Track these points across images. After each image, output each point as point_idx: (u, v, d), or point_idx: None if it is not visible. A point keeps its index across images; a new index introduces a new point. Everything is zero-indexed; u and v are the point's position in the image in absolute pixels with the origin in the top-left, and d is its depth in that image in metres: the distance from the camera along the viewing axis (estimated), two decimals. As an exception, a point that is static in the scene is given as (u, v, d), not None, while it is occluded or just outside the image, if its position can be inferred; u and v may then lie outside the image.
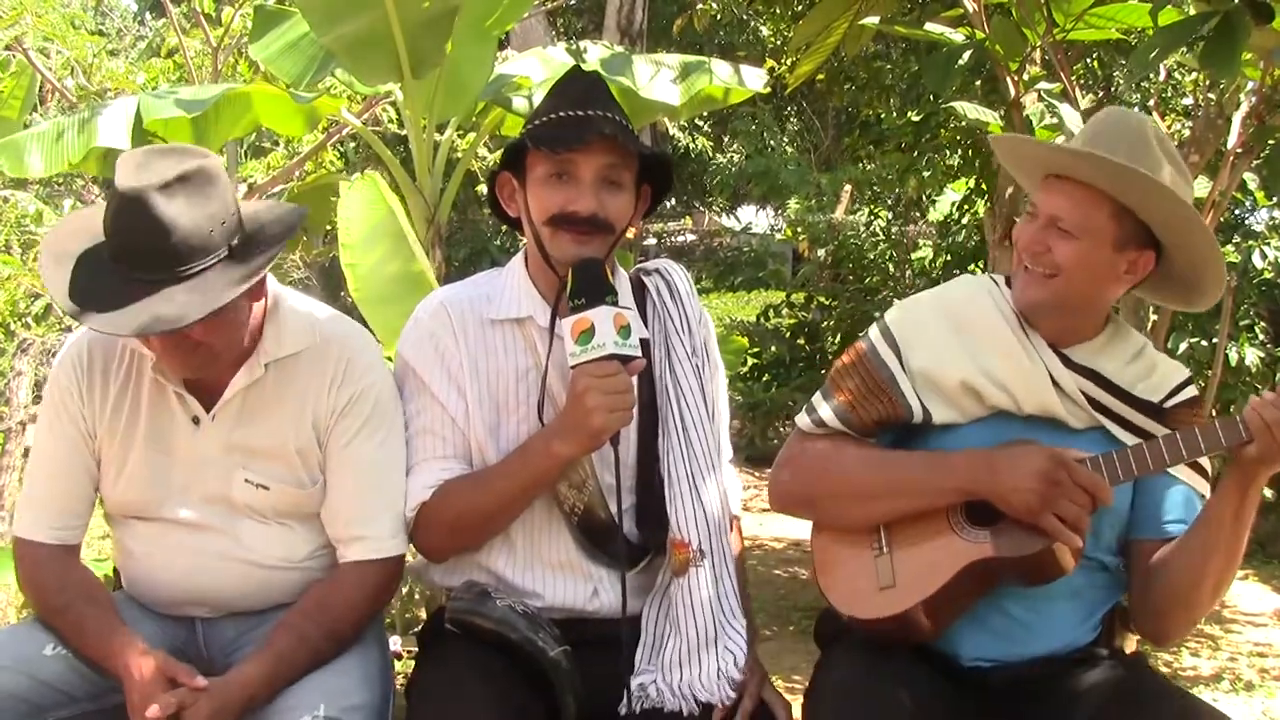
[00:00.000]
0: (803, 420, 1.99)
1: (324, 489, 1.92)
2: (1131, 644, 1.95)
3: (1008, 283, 1.96)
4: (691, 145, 16.61)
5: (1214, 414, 5.25)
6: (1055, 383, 1.85)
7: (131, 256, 1.71)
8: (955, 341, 1.90)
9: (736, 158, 16.75)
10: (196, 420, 1.90)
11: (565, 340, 1.75)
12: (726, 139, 17.89)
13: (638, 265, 2.10)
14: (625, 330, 1.75)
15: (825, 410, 1.95)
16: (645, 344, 1.88)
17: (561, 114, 1.85)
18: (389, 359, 2.05)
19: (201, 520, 1.89)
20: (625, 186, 1.89)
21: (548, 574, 1.93)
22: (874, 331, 1.98)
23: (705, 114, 14.71)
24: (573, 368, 1.75)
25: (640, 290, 2.03)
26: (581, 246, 1.84)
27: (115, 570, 2.07)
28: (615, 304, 1.76)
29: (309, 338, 1.93)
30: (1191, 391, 1.92)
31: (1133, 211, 1.80)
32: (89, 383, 1.89)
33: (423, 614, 4.06)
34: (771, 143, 16.21)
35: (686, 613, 1.87)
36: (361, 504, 1.90)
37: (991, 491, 1.76)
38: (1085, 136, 1.86)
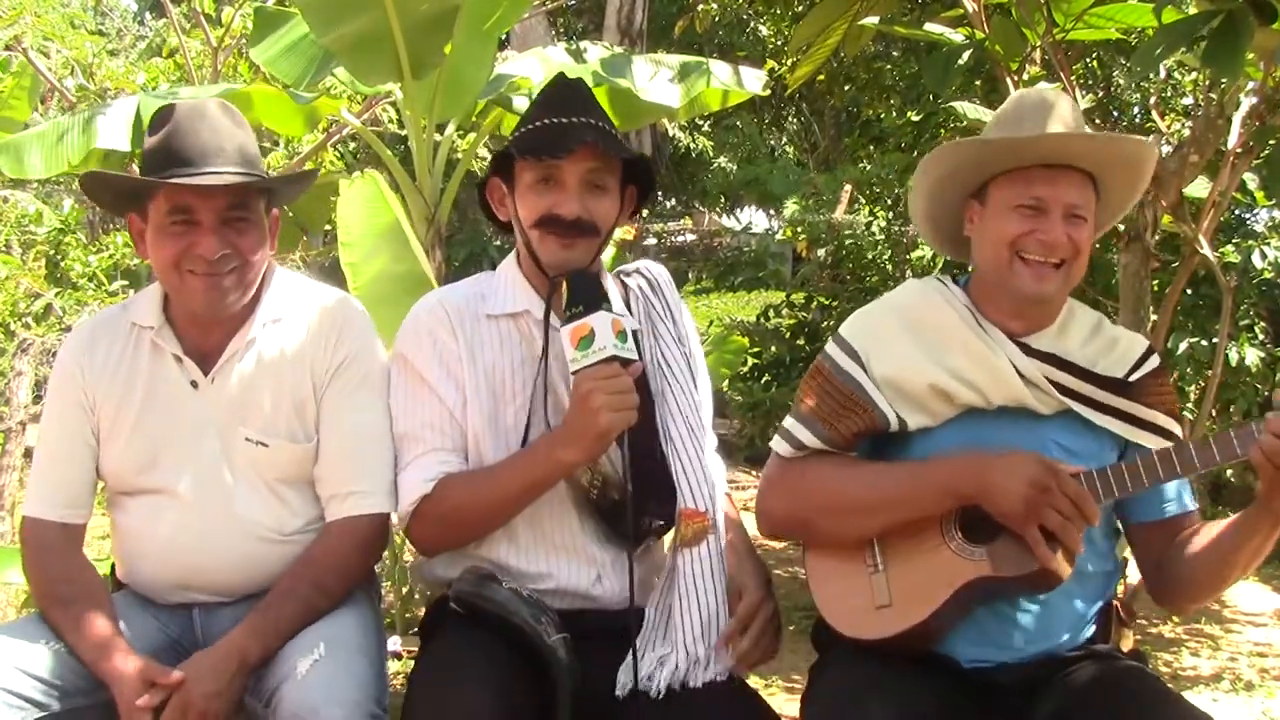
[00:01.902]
0: (781, 446, 1.97)
1: (318, 447, 1.97)
2: (1129, 641, 1.95)
3: (954, 280, 1.96)
4: (691, 145, 16.61)
5: (1212, 413, 5.25)
6: (1019, 371, 1.85)
7: (197, 154, 1.87)
8: (914, 346, 1.89)
9: (735, 159, 16.76)
10: (195, 384, 1.95)
11: (565, 348, 1.79)
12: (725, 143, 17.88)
13: (617, 269, 2.15)
14: (623, 335, 1.79)
15: (803, 433, 1.94)
16: (638, 342, 1.92)
17: (545, 121, 1.93)
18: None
19: (196, 490, 1.93)
20: (609, 190, 1.96)
21: (552, 556, 1.95)
22: (830, 347, 1.97)
23: (706, 114, 14.72)
24: (574, 373, 1.79)
25: (623, 290, 2.09)
26: (569, 250, 1.92)
27: (113, 569, 2.08)
28: (610, 310, 1.81)
29: (304, 302, 2.02)
30: (1155, 362, 1.91)
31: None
32: (90, 358, 1.97)
33: (422, 613, 4.05)
34: (771, 142, 16.22)
35: (703, 583, 1.90)
36: (352, 461, 1.96)
37: (979, 490, 1.75)
38: (1015, 121, 1.86)
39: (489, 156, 6.47)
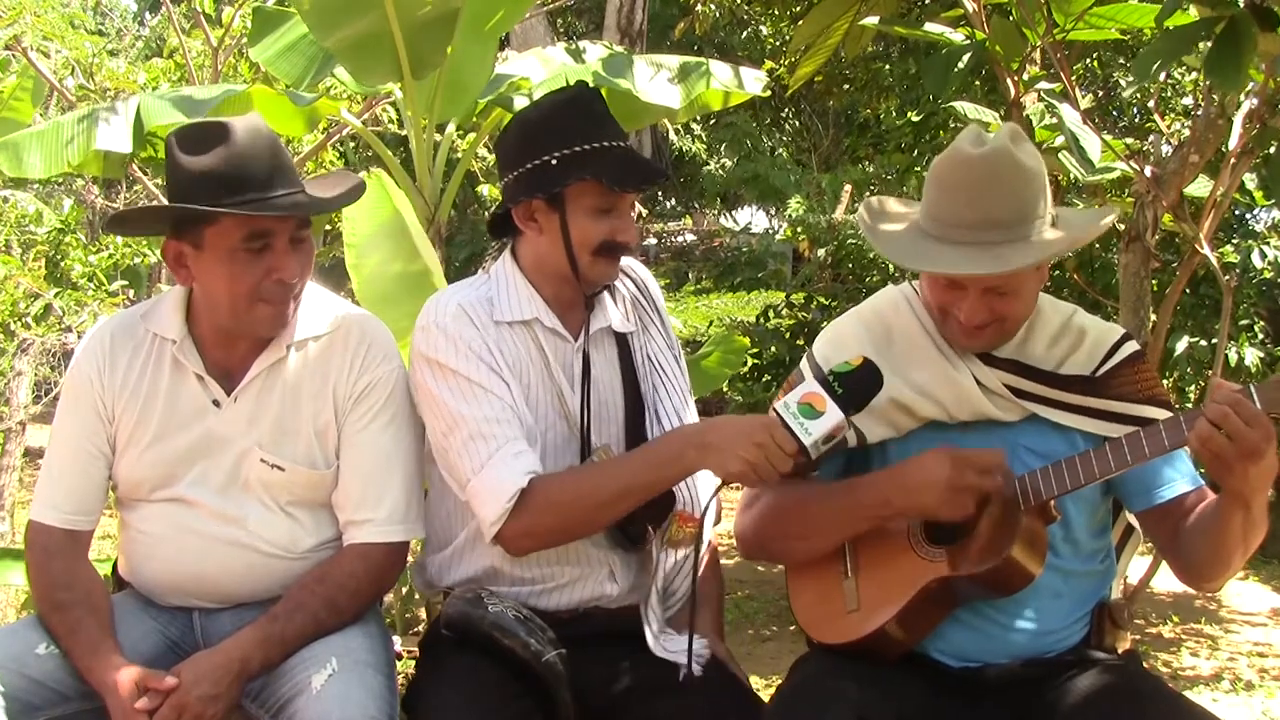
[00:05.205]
0: None
1: (337, 473, 1.95)
2: (1125, 642, 1.95)
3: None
4: (689, 147, 16.60)
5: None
6: (979, 382, 1.84)
7: (271, 174, 1.82)
8: (879, 359, 1.86)
9: (729, 162, 16.71)
10: (217, 403, 1.93)
11: (795, 391, 1.73)
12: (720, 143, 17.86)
13: None
14: (829, 439, 1.71)
15: None
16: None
17: (609, 144, 1.88)
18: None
19: (210, 503, 1.92)
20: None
21: (559, 568, 1.94)
22: (803, 363, 2.01)
23: (702, 115, 14.68)
24: (772, 410, 1.74)
25: (610, 292, 2.05)
26: (615, 272, 1.96)
27: (114, 571, 2.08)
28: (852, 418, 1.74)
29: (331, 323, 1.98)
30: (1128, 349, 1.87)
31: None
32: (110, 366, 1.94)
33: (422, 614, 4.06)
34: (768, 142, 16.19)
35: (677, 582, 2.02)
36: (371, 488, 1.93)
37: (907, 504, 1.77)
38: (962, 205, 1.75)
39: (488, 157, 6.47)
